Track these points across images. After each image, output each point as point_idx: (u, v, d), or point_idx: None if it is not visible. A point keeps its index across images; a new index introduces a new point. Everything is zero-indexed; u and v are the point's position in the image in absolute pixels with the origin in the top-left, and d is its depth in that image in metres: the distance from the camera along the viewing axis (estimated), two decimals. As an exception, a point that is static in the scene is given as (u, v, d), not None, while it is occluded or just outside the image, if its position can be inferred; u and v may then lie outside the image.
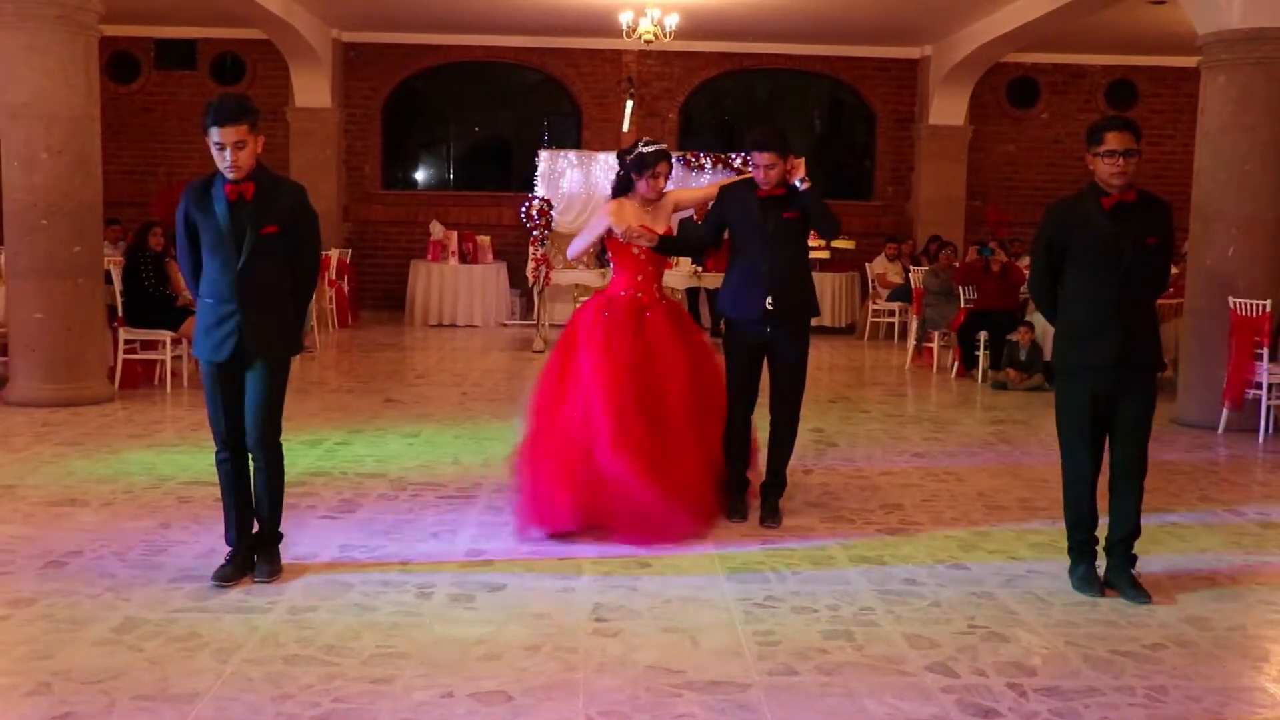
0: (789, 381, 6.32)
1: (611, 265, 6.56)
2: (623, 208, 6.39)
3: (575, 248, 6.76)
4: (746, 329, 6.25)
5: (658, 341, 6.25)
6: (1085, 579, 5.32)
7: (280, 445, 5.32)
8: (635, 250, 6.32)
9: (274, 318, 5.15)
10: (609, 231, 6.38)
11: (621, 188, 6.50)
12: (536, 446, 6.15)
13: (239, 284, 5.03)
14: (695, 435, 6.21)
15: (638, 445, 5.93)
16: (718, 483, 6.38)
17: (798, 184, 6.12)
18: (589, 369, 6.11)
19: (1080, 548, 5.40)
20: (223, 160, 4.97)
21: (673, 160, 6.63)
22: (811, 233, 6.61)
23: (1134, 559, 5.33)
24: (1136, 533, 5.31)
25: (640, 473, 5.89)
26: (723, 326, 6.56)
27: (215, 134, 4.94)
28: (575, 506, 5.94)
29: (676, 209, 6.67)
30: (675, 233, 6.53)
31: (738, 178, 6.58)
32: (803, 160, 6.20)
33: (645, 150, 6.37)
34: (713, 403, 6.37)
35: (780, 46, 17.91)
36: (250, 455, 5.29)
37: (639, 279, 6.39)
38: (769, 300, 6.13)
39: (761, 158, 6.07)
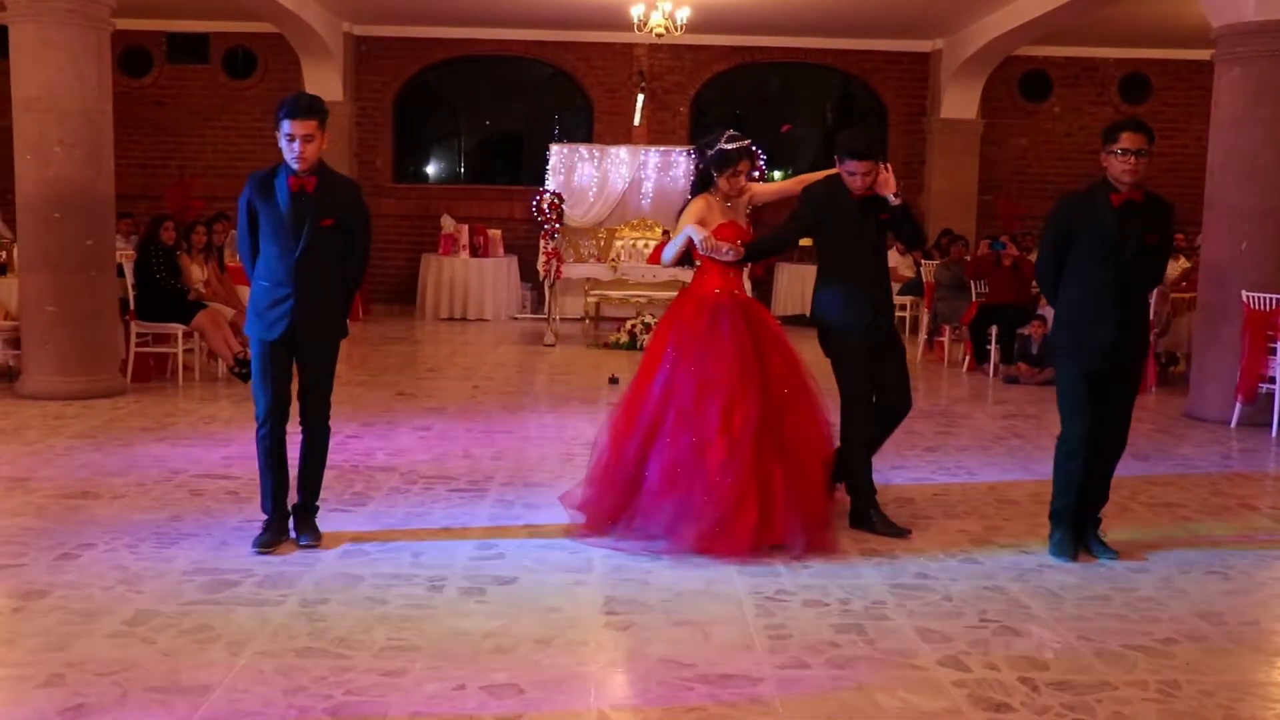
0: (905, 373, 6.26)
1: (698, 262, 6.21)
2: (709, 206, 6.13)
3: (671, 253, 6.24)
4: (862, 333, 6.05)
5: (763, 335, 6.02)
6: (1061, 544, 5.72)
7: (329, 423, 5.72)
8: (725, 251, 6.00)
9: (324, 303, 5.52)
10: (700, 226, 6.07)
11: (702, 184, 6.22)
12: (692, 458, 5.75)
13: (296, 270, 5.39)
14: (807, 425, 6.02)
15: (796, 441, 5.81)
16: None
17: (891, 199, 5.98)
18: (729, 374, 5.79)
19: (1060, 514, 5.75)
20: (290, 151, 5.30)
21: (756, 156, 6.31)
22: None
23: (1099, 521, 5.89)
24: (1104, 501, 5.91)
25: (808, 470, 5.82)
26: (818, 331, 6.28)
27: (287, 125, 5.28)
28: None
29: (754, 203, 6.44)
30: (751, 227, 6.40)
31: (819, 176, 6.34)
32: (891, 169, 6.03)
33: (728, 147, 6.03)
34: (807, 396, 6.07)
35: (791, 40, 17.88)
36: (301, 430, 5.64)
37: (730, 275, 6.13)
38: (877, 301, 6.08)
39: (859, 165, 5.92)
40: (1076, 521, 5.78)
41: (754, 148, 6.25)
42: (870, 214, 6.05)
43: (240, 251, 5.66)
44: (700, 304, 6.03)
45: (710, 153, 6.09)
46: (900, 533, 6.06)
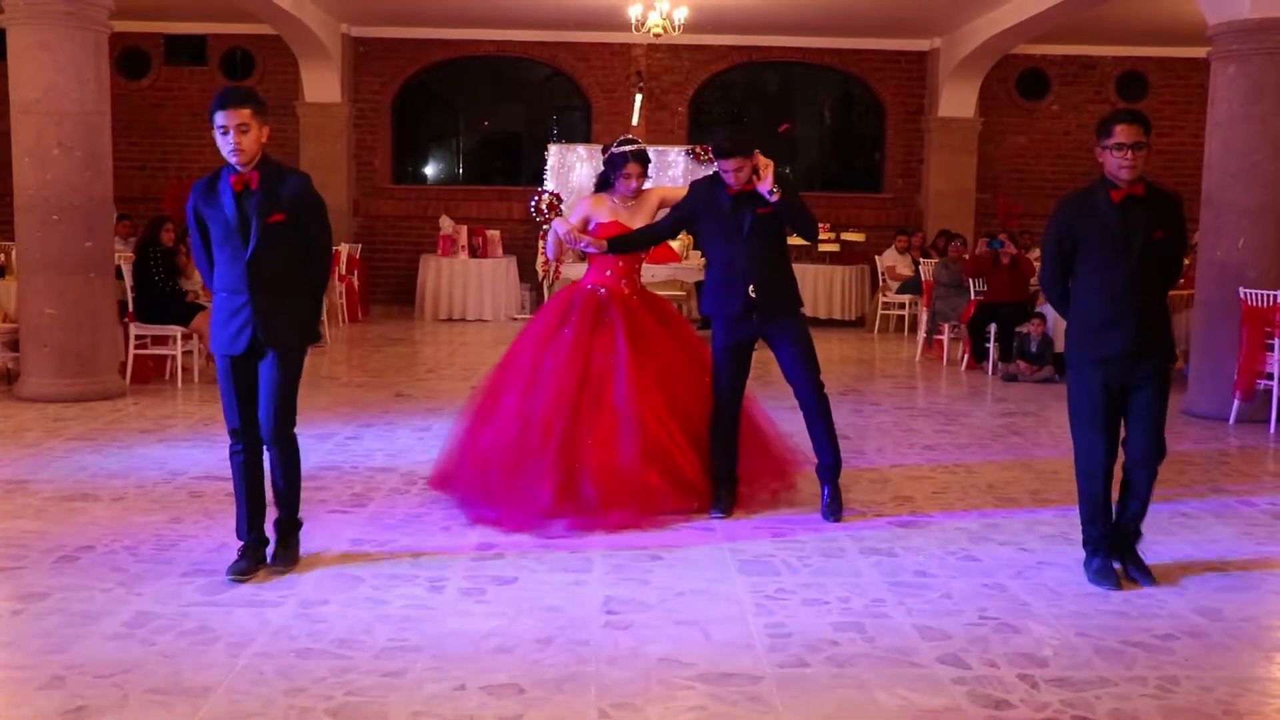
0: (801, 358, 6.26)
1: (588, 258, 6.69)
2: (599, 202, 6.53)
3: (550, 247, 6.79)
4: (733, 326, 6.23)
5: (613, 335, 6.32)
6: (1102, 572, 5.29)
7: (294, 437, 5.35)
8: (584, 244, 6.36)
9: (286, 307, 5.17)
10: (585, 224, 6.51)
11: (602, 183, 6.62)
12: (482, 437, 6.31)
13: (249, 273, 5.06)
14: (653, 431, 6.23)
15: (571, 437, 6.12)
16: (683, 476, 6.34)
17: (767, 196, 6.01)
18: (530, 359, 6.35)
19: (1096, 542, 5.37)
20: (226, 144, 4.99)
21: (648, 160, 6.64)
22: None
23: (1139, 534, 5.43)
24: (1143, 514, 5.40)
25: (568, 466, 6.09)
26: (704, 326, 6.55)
27: (219, 118, 4.98)
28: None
29: (663, 206, 6.64)
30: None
31: (708, 174, 6.55)
32: (771, 164, 6.08)
33: (615, 150, 6.46)
34: (696, 394, 6.40)
35: (789, 39, 17.88)
36: (265, 447, 5.32)
37: (607, 273, 6.52)
38: (750, 289, 6.12)
39: (727, 164, 6.02)
40: (1115, 542, 5.39)
41: (645, 152, 6.60)
42: (746, 209, 6.11)
43: (197, 263, 5.37)
44: (563, 296, 6.58)
45: (605, 155, 6.53)
46: (714, 508, 6.29)
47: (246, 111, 4.99)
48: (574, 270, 14.50)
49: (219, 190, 5.09)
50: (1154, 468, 5.33)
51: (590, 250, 6.38)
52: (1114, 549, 5.36)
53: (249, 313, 5.08)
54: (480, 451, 6.27)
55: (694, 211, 6.33)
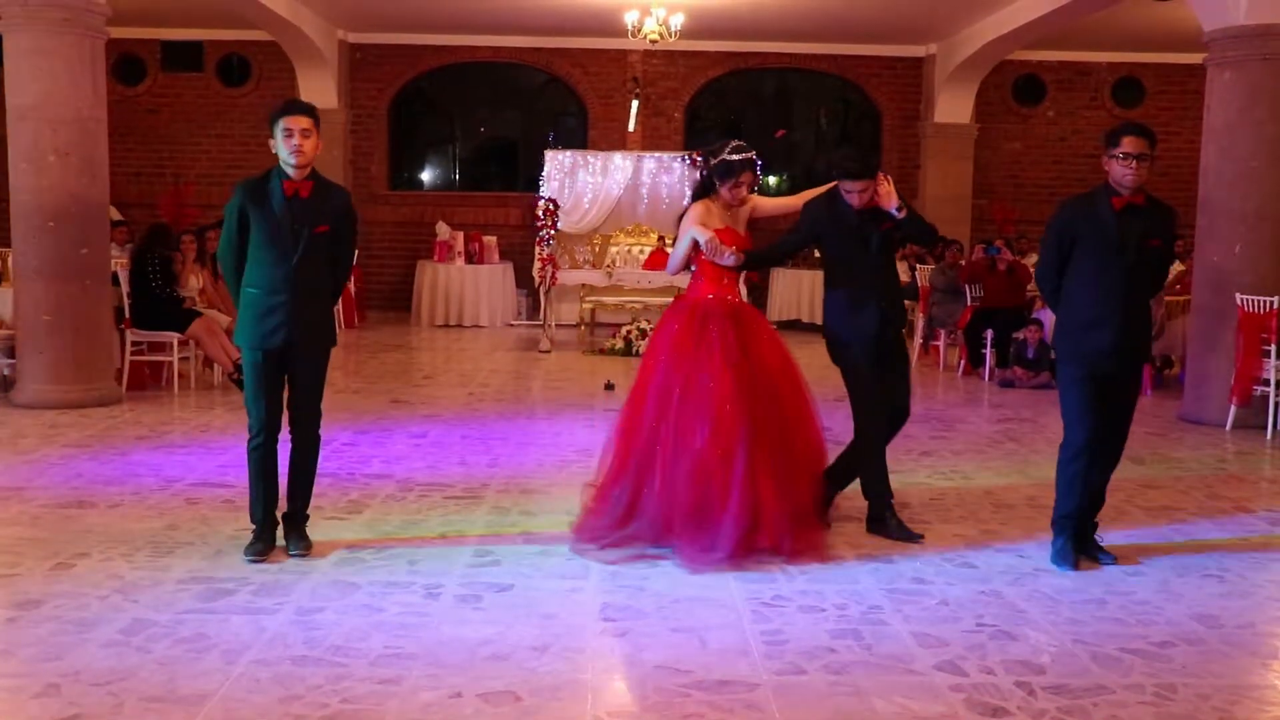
0: (908, 375, 6.33)
1: (693, 267, 6.26)
2: (709, 211, 6.17)
3: (676, 258, 6.34)
4: (870, 344, 6.10)
5: (754, 340, 6.06)
6: (1063, 552, 5.67)
7: (319, 432, 5.70)
8: (727, 256, 6.04)
9: (317, 311, 5.54)
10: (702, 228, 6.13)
11: (703, 190, 6.26)
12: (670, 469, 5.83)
13: (292, 278, 5.38)
14: (799, 432, 6.06)
15: (772, 452, 5.80)
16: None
17: (895, 213, 6.02)
18: (717, 381, 5.83)
19: (1063, 521, 5.72)
20: (289, 145, 5.33)
21: (758, 168, 6.30)
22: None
23: (1096, 525, 5.87)
24: (1101, 504, 5.90)
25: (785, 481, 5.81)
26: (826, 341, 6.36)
27: (285, 122, 5.35)
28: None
29: (754, 215, 6.44)
30: (750, 236, 6.38)
31: (820, 191, 6.39)
32: (890, 179, 6.09)
33: (732, 158, 6.07)
34: (800, 400, 6.14)
35: (785, 45, 17.90)
36: (291, 440, 5.62)
37: (724, 281, 6.17)
38: (885, 311, 6.10)
39: (854, 185, 5.99)
40: (1076, 528, 5.76)
41: (756, 160, 6.24)
42: (872, 225, 6.09)
43: (222, 259, 5.56)
44: (692, 311, 6.05)
45: (714, 161, 6.13)
46: (913, 537, 6.08)
47: (310, 120, 5.40)
48: (571, 275, 14.55)
49: (269, 192, 5.38)
50: (1114, 462, 5.86)
51: (728, 263, 6.06)
52: (1078, 540, 5.77)
53: (285, 314, 5.37)
54: (655, 488, 5.83)
55: (816, 231, 6.28)
